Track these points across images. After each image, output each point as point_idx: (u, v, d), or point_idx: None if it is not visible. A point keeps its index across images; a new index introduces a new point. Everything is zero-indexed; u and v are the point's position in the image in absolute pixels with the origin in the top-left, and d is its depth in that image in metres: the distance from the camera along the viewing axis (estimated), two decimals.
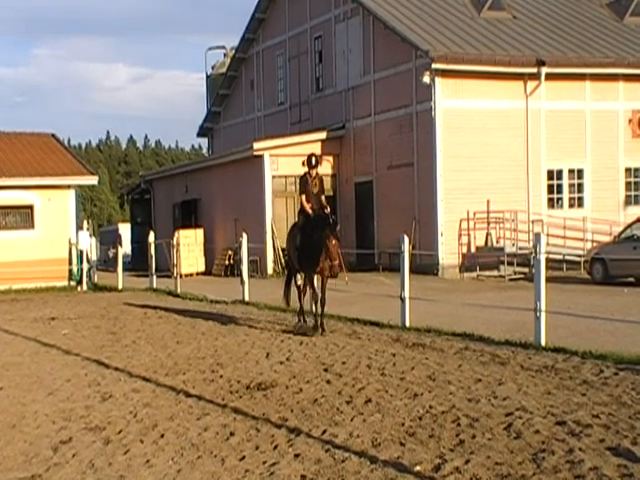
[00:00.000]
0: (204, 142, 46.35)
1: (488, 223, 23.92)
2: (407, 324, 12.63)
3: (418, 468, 5.76)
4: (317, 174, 12.56)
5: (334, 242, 11.86)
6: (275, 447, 6.48)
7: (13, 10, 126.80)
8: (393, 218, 25.05)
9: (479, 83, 23.86)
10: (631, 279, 19.91)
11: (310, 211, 12.37)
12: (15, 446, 6.87)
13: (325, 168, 27.65)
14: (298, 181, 13.33)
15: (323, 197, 12.62)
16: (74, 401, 8.47)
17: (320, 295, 12.54)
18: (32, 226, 26.95)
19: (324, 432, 6.83)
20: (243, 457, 6.27)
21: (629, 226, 20.66)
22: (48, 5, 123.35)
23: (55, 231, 26.82)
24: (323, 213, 12.30)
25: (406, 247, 12.88)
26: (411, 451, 6.17)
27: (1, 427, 7.52)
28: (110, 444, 6.79)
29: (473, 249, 23.89)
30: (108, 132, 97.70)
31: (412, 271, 13.44)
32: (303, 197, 12.51)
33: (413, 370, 9.28)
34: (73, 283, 26.11)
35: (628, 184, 26.01)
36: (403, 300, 12.78)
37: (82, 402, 8.40)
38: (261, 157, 26.84)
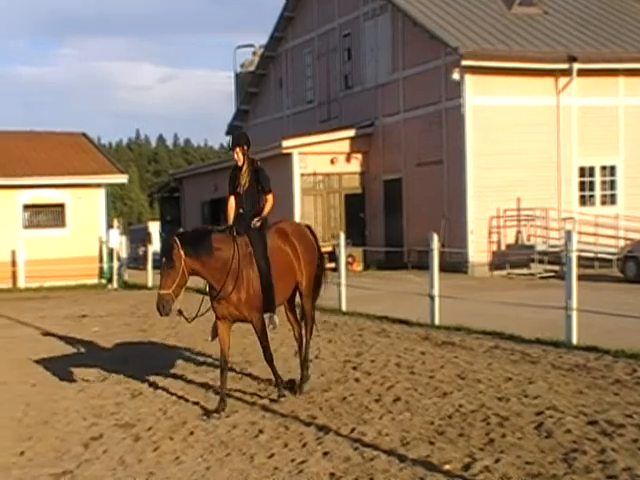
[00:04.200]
0: None
1: (519, 221, 23.72)
2: (436, 322, 12.55)
3: (447, 467, 5.71)
4: (248, 162, 8.28)
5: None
6: (304, 445, 6.47)
7: (39, 11, 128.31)
8: (422, 216, 24.93)
9: (509, 80, 23.63)
10: None
11: (230, 218, 8.23)
12: (47, 442, 6.94)
13: (354, 166, 27.64)
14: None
15: (269, 196, 8.26)
16: (105, 398, 8.54)
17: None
18: (63, 224, 27.23)
19: (353, 430, 6.80)
20: (272, 455, 6.27)
21: None
22: (74, 6, 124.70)
23: (86, 229, 27.07)
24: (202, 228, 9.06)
25: (435, 245, 12.81)
26: (440, 450, 6.12)
27: (33, 423, 7.60)
28: (140, 441, 6.83)
29: (503, 247, 23.70)
30: (138, 131, 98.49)
31: (441, 269, 13.35)
32: (230, 200, 8.37)
33: (442, 368, 9.22)
34: (103, 281, 26.34)
35: None
36: (432, 298, 12.70)
37: (112, 399, 8.47)
38: (290, 155, 26.86)
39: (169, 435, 6.96)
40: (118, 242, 26.92)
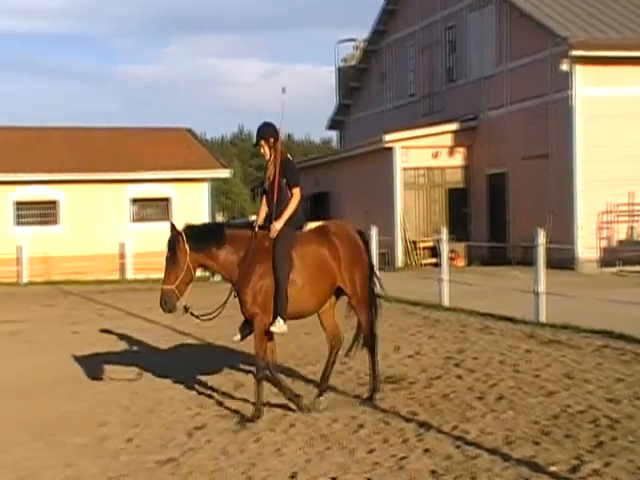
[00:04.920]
0: (334, 135, 46.59)
1: (631, 216, 22.80)
2: (542, 320, 12.19)
3: (553, 468, 5.52)
4: (275, 155, 7.62)
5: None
6: (404, 441, 6.40)
7: (145, 10, 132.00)
8: (527, 210, 24.30)
9: (621, 69, 22.69)
10: None
11: (260, 216, 7.69)
12: (152, 430, 7.11)
13: (456, 160, 27.21)
14: None
15: (295, 190, 7.60)
16: (208, 388, 8.68)
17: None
18: (168, 218, 27.96)
19: (455, 428, 6.68)
20: (372, 450, 6.22)
21: None
22: (178, 4, 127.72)
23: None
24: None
25: (541, 240, 12.44)
26: (546, 450, 5.93)
27: (140, 412, 7.80)
28: (242, 432, 6.91)
29: (614, 243, 22.84)
30: (241, 126, 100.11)
31: (547, 265, 12.95)
32: (263, 197, 7.89)
33: (548, 367, 8.94)
34: (207, 273, 26.82)
35: None
36: (537, 295, 12.35)
37: (216, 389, 8.59)
38: (391, 149, 26.67)
39: (270, 427, 7.01)
40: None
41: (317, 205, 32.27)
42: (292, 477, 5.71)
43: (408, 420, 6.99)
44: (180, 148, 29.97)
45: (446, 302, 14.71)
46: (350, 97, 36.69)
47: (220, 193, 63.70)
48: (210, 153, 31.22)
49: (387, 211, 26.71)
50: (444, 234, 15.47)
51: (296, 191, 7.59)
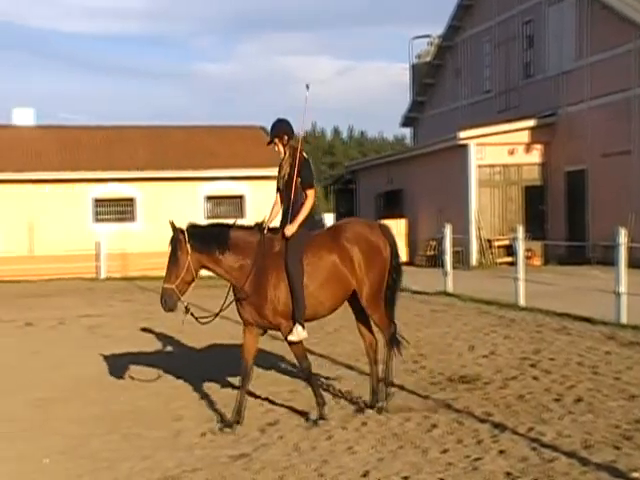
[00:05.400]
0: (407, 132, 46.28)
1: None
2: (623, 321, 11.82)
3: (636, 474, 5.34)
4: (290, 153, 7.33)
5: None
6: (479, 442, 6.29)
7: (221, 9, 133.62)
8: (607, 209, 23.64)
9: None
10: None
11: (271, 215, 7.47)
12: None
13: (533, 157, 26.68)
14: None
15: (309, 191, 7.27)
16: (280, 385, 8.71)
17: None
18: (242, 215, 28.26)
19: (530, 430, 6.53)
20: (445, 450, 6.13)
21: None
22: (253, 3, 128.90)
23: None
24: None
25: (622, 239, 12.06)
26: (627, 456, 5.74)
27: (214, 407, 7.87)
28: (314, 428, 6.90)
29: None
30: (314, 123, 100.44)
31: (629, 265, 12.54)
32: (276, 196, 7.59)
33: (630, 370, 8.67)
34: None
35: None
36: (618, 295, 11.98)
37: (287, 386, 8.62)
38: (466, 146, 26.33)
39: (342, 425, 6.98)
40: None
41: (390, 202, 32.12)
42: (364, 475, 5.67)
43: (482, 421, 6.87)
44: (254, 146, 30.22)
45: (522, 302, 14.43)
46: (424, 94, 36.39)
47: None
48: None
49: (461, 209, 26.38)
50: (520, 232, 15.17)
51: (310, 192, 7.27)
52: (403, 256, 29.17)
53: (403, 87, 63.06)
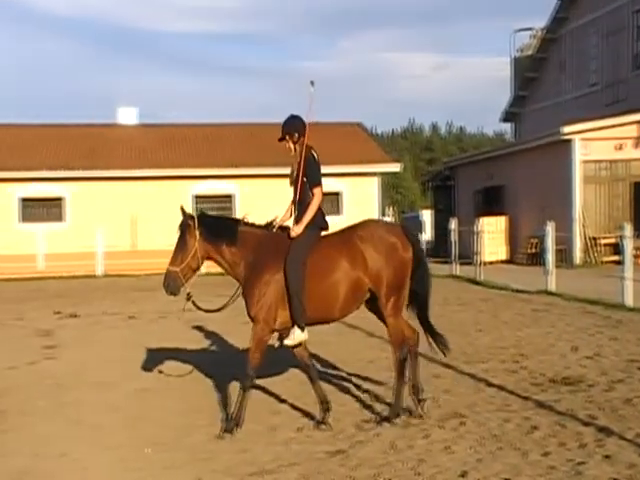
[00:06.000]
0: (508, 127, 45.35)
1: None
2: None
3: None
4: (299, 151, 7.17)
5: None
6: (582, 446, 6.07)
7: (319, 7, 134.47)
8: None
9: None
10: None
11: (284, 218, 7.31)
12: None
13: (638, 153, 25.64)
14: None
15: (315, 190, 7.14)
16: (375, 383, 8.64)
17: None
18: (339, 212, 28.36)
19: (638, 435, 6.25)
20: (547, 453, 5.94)
21: None
22: (352, 1, 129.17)
23: (360, 216, 27.76)
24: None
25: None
26: None
27: (311, 402, 7.85)
28: (411, 427, 6.82)
29: None
30: (412, 119, 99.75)
31: None
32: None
33: None
34: None
35: None
36: None
37: (384, 384, 8.55)
38: (570, 141, 25.56)
39: (439, 424, 6.87)
40: None
41: (490, 199, 31.55)
42: (462, 476, 5.56)
43: (586, 424, 6.63)
44: (350, 142, 30.25)
45: (629, 302, 13.88)
46: (526, 88, 35.58)
47: (390, 187, 63.82)
48: (380, 147, 31.29)
49: (565, 206, 25.63)
50: (628, 230, 14.60)
51: (316, 191, 7.07)
52: (503, 254, 28.74)
53: (503, 82, 61.97)
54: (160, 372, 9.28)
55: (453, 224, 24.45)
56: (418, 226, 39.48)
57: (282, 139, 7.16)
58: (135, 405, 7.98)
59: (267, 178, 27.73)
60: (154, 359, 9.80)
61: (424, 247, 25.80)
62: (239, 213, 28.05)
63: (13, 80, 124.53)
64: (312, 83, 7.24)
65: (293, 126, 7.11)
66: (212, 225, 6.99)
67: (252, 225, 7.17)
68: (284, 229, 7.06)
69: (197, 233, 6.89)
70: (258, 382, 8.67)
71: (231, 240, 6.96)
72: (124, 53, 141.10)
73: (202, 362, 9.78)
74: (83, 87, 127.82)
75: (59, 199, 28.21)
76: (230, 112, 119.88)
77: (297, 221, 7.01)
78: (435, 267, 25.47)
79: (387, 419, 6.94)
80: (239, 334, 12.08)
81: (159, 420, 7.35)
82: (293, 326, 6.84)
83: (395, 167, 30.03)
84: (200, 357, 10.28)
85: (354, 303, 7.03)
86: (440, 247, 33.35)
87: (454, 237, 24.05)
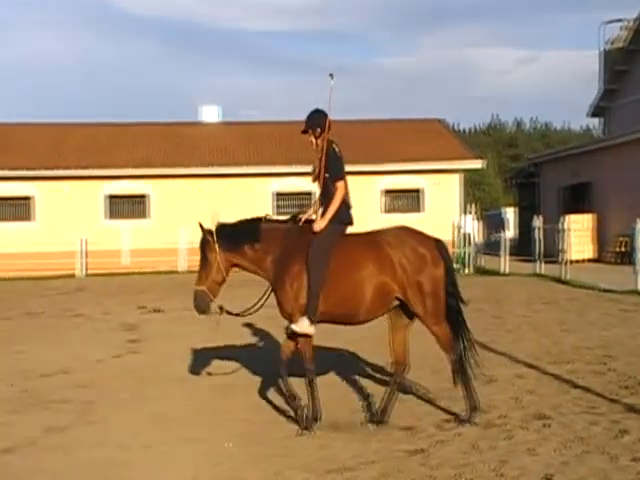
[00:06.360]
0: (596, 122, 44.13)
1: None
2: None
3: None
4: (320, 143, 7.11)
5: None
6: None
7: (399, 3, 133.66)
8: None
9: None
10: None
11: (310, 213, 7.24)
12: (401, 420, 7.08)
13: None
14: None
15: (338, 184, 7.03)
16: (449, 380, 8.50)
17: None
18: (419, 209, 28.17)
19: None
20: (636, 458, 5.75)
21: None
22: None
23: (441, 214, 27.67)
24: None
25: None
26: None
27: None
28: (493, 428, 6.69)
29: None
30: (495, 115, 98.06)
31: None
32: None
33: None
34: (457, 266, 26.65)
35: None
36: None
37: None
38: None
39: (522, 425, 6.71)
40: (472, 227, 27.06)
41: (576, 196, 30.77)
42: (547, 478, 5.41)
43: None
44: (432, 139, 29.97)
45: None
46: (616, 81, 34.52)
47: (472, 184, 62.98)
48: (462, 144, 30.89)
49: None
50: None
51: (339, 185, 6.95)
52: (589, 252, 27.96)
53: (590, 75, 60.28)
54: (209, 374, 9.23)
55: (538, 222, 23.95)
56: (501, 224, 38.83)
57: (305, 132, 7.10)
58: (216, 399, 8.07)
59: (348, 175, 27.69)
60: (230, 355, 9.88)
61: (507, 244, 25.29)
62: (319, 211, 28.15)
63: (98, 80, 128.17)
64: (332, 76, 7.17)
65: (316, 121, 7.04)
66: (231, 233, 6.96)
67: (275, 221, 7.16)
68: (310, 222, 6.96)
69: (217, 247, 6.88)
70: (330, 380, 8.67)
71: (253, 240, 6.92)
72: (206, 52, 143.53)
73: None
74: (167, 86, 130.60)
75: (143, 196, 28.86)
76: (309, 109, 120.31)
77: (321, 216, 6.94)
78: (518, 265, 25.08)
79: (467, 420, 6.83)
80: None
81: (239, 415, 7.41)
82: (303, 315, 6.74)
83: (477, 164, 29.60)
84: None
85: (380, 307, 6.86)
86: (524, 245, 32.69)
87: (539, 235, 23.54)
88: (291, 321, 6.81)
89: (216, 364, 9.60)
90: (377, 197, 28.39)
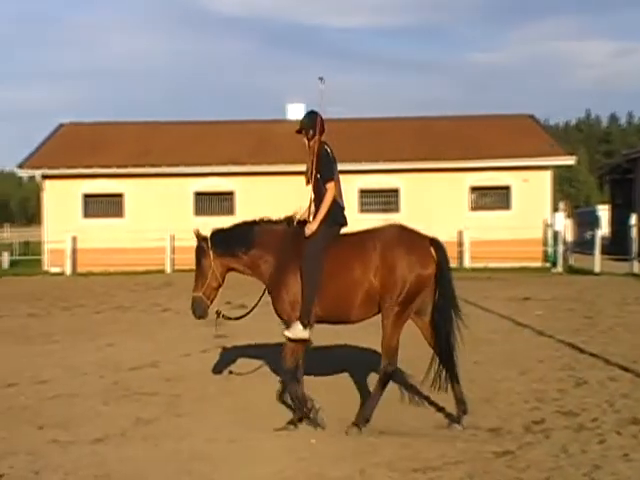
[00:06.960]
0: None
1: None
2: None
3: None
4: (312, 145, 7.04)
5: None
6: None
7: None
8: None
9: None
10: None
11: (306, 213, 7.15)
12: (489, 420, 6.94)
13: None
14: None
15: (329, 185, 6.93)
16: (547, 382, 8.31)
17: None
18: (508, 207, 27.61)
19: None
20: None
21: None
22: None
23: (530, 212, 27.08)
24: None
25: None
26: None
27: (477, 400, 7.66)
28: (584, 431, 6.48)
29: None
30: (588, 110, 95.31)
31: None
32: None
33: None
34: (547, 264, 26.02)
35: None
36: None
37: (555, 385, 8.20)
38: None
39: (616, 429, 6.47)
40: (563, 225, 26.38)
41: None
42: None
43: None
44: (521, 135, 29.35)
45: None
46: None
47: (563, 181, 61.46)
48: (553, 139, 30.14)
49: None
50: None
51: (330, 186, 6.86)
52: None
53: None
54: (230, 372, 9.20)
55: (633, 219, 23.16)
56: (593, 221, 37.72)
57: (299, 132, 7.10)
58: None
59: (435, 172, 27.37)
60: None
61: (600, 242, 24.54)
62: (404, 207, 27.94)
63: (190, 79, 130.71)
64: (321, 79, 7.14)
65: (309, 122, 7.03)
66: (224, 238, 7.03)
67: (270, 223, 7.16)
68: (304, 224, 6.93)
69: (211, 253, 6.99)
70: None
71: (248, 245, 6.98)
72: (291, 50, 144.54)
73: (359, 357, 9.78)
74: (257, 84, 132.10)
75: (230, 193, 29.25)
76: (397, 106, 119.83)
77: (313, 217, 6.91)
78: (612, 265, 24.30)
79: (357, 425, 6.69)
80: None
81: (325, 411, 7.38)
82: (297, 320, 6.75)
83: (569, 160, 28.82)
84: (356, 353, 10.28)
85: (371, 309, 6.76)
86: (618, 244, 31.64)
87: (634, 233, 22.76)
88: (287, 326, 6.84)
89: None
90: (465, 194, 27.97)
